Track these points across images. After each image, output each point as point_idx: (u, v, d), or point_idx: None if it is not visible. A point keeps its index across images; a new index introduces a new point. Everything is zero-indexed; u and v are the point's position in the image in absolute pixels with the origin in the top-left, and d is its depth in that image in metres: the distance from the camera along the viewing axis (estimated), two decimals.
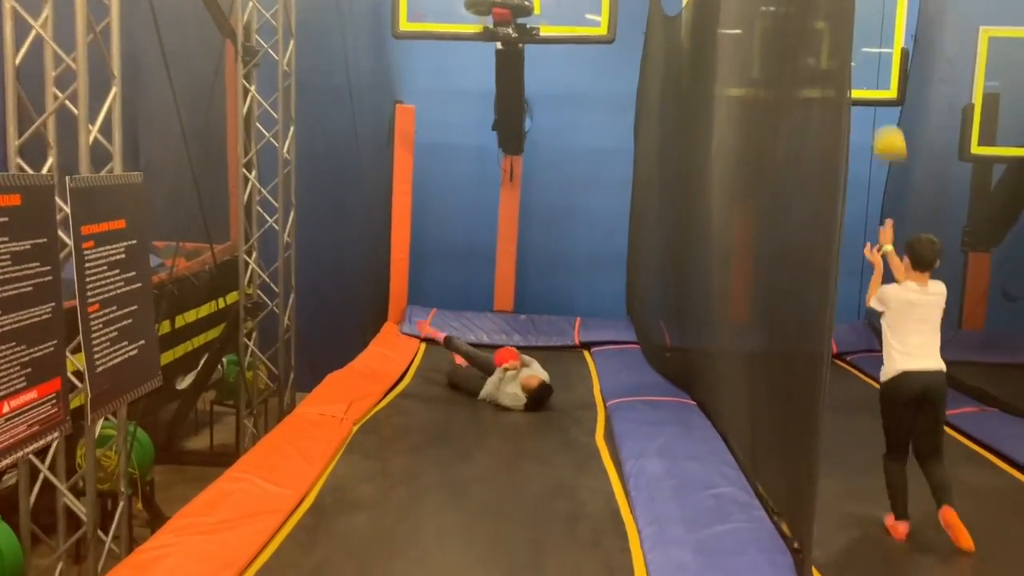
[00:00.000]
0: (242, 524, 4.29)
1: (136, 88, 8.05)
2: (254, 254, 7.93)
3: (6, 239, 3.64)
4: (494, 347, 8.46)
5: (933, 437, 4.72)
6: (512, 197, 9.69)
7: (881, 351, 4.83)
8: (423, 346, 8.73)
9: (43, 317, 3.88)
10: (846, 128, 3.58)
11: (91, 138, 4.53)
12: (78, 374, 4.46)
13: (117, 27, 4.67)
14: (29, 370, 3.81)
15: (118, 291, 4.54)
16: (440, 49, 9.03)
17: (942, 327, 4.78)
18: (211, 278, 7.59)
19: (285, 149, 8.10)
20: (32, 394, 3.85)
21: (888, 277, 4.85)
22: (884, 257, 4.87)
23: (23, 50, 4.22)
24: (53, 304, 3.95)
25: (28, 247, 3.77)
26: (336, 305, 9.73)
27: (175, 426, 7.55)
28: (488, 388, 6.97)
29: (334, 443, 5.63)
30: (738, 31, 5.88)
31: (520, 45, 8.09)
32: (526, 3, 7.68)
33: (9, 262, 3.66)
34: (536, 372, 7.01)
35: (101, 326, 4.39)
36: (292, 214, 8.30)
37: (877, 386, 4.88)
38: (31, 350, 3.82)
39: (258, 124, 7.85)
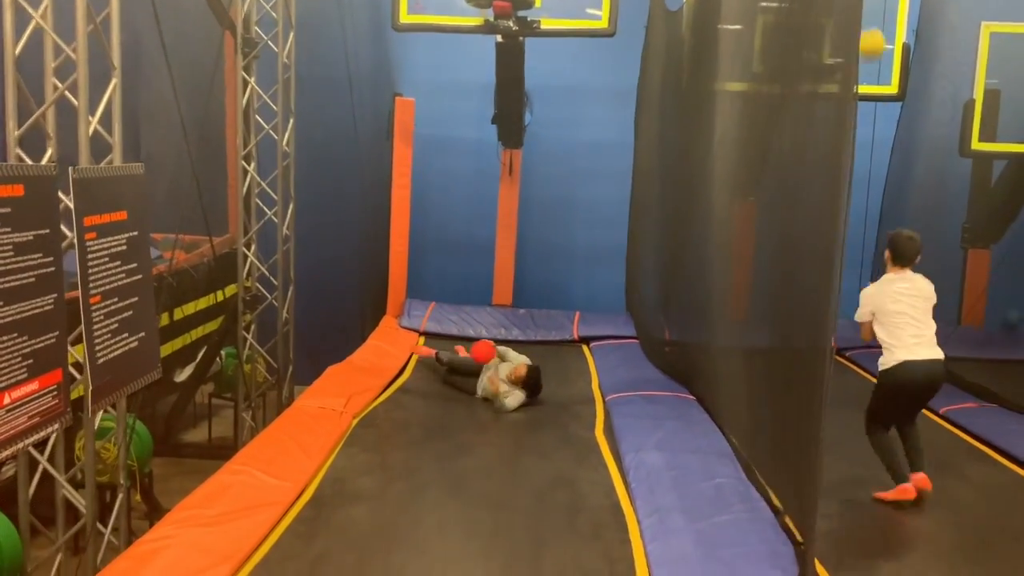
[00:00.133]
0: (242, 516, 4.28)
1: (136, 80, 8.02)
2: (253, 247, 7.91)
3: (9, 230, 3.63)
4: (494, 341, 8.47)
5: (915, 413, 4.94)
6: (511, 190, 9.68)
7: (879, 347, 4.89)
8: (421, 340, 8.72)
9: (45, 308, 3.87)
10: (852, 123, 3.57)
11: (91, 129, 4.51)
12: (77, 366, 4.45)
13: (117, 17, 4.66)
14: (31, 361, 3.80)
15: (119, 283, 4.53)
16: (440, 42, 8.99)
17: (940, 324, 4.82)
18: (210, 270, 7.57)
19: (284, 141, 8.08)
20: (33, 385, 3.84)
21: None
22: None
23: (23, 40, 4.20)
24: (55, 295, 3.94)
25: (31, 238, 3.76)
26: (335, 298, 9.72)
27: (173, 419, 7.54)
28: (482, 386, 6.92)
29: (334, 436, 5.62)
30: (741, 26, 5.87)
31: (521, 38, 8.07)
32: None
33: (12, 253, 3.66)
34: (514, 361, 6.95)
35: (102, 318, 4.39)
36: (291, 207, 8.28)
37: (875, 380, 4.91)
38: (32, 341, 3.81)
39: (257, 116, 7.84)
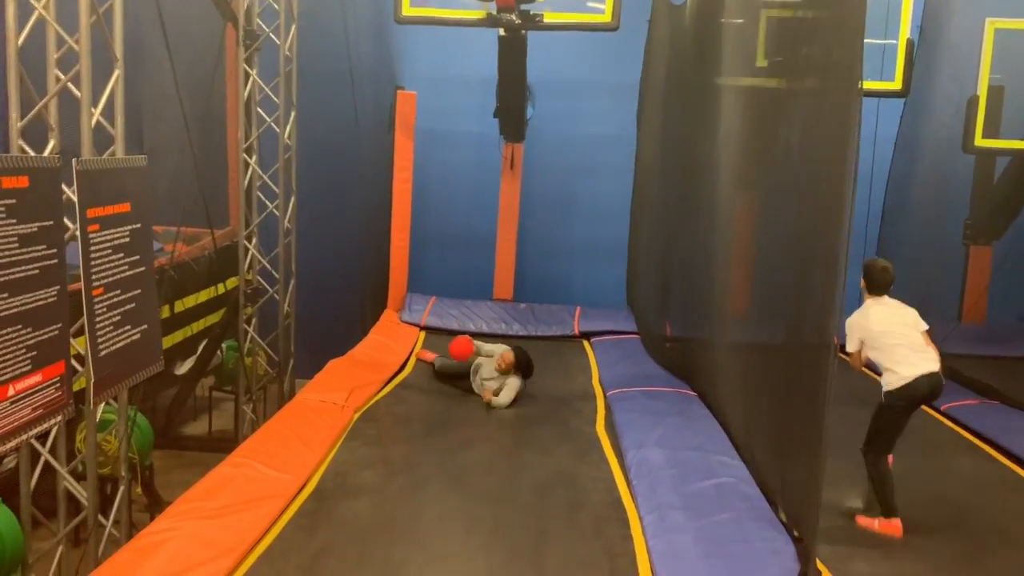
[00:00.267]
0: (244, 509, 4.29)
1: (138, 72, 8.00)
2: (254, 240, 7.90)
3: (14, 221, 3.62)
4: (492, 336, 8.47)
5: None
6: (513, 185, 9.66)
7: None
8: (422, 335, 8.72)
9: (48, 300, 3.87)
10: (856, 119, 3.57)
11: (93, 121, 4.50)
12: (78, 358, 4.44)
13: (120, 9, 4.64)
14: (34, 353, 3.80)
15: (122, 275, 4.52)
16: (442, 35, 8.97)
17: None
18: (211, 263, 7.56)
19: (286, 134, 8.06)
20: (37, 377, 3.83)
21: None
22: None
23: (25, 31, 4.20)
24: (58, 287, 3.93)
25: (35, 229, 3.75)
26: (336, 291, 9.71)
27: (174, 411, 7.54)
28: (477, 387, 6.91)
29: (335, 430, 5.62)
30: (745, 20, 5.85)
31: (523, 32, 8.05)
32: None
33: (16, 244, 3.65)
34: (494, 352, 6.89)
35: (105, 310, 4.38)
36: (292, 200, 8.27)
37: (877, 378, 4.90)
38: (36, 333, 3.80)
39: (259, 109, 7.81)
